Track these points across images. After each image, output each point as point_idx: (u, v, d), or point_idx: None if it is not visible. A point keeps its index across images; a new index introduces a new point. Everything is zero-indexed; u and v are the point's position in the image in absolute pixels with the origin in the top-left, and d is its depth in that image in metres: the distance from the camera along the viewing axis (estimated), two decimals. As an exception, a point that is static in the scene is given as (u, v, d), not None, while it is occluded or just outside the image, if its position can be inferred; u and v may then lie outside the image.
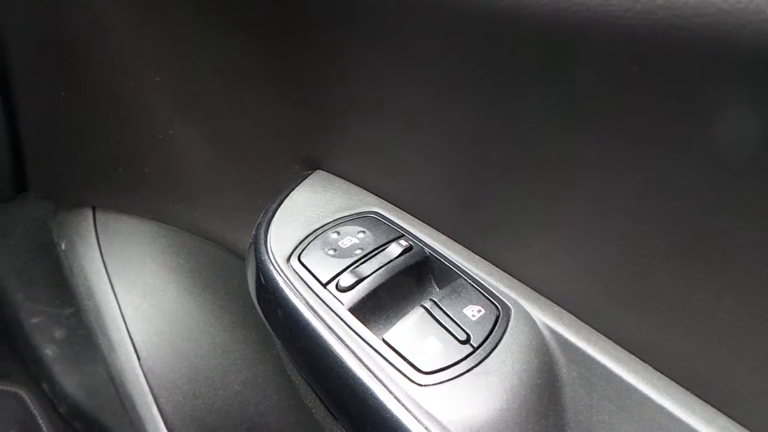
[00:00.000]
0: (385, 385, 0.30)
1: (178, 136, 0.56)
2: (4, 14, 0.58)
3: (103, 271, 0.65)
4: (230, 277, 0.63)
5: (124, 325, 0.62)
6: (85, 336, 0.88)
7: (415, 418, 0.29)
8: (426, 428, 0.29)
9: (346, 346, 0.32)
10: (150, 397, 0.61)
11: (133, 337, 0.62)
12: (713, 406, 0.28)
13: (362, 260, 0.36)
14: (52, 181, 0.70)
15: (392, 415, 0.29)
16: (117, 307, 0.63)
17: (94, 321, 0.65)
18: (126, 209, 0.66)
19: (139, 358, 0.62)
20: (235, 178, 0.53)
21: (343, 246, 0.38)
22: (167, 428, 0.60)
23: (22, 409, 1.02)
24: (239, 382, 0.61)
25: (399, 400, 0.30)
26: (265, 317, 0.38)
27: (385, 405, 0.30)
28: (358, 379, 0.31)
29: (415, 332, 0.32)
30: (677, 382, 0.29)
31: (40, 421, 1.00)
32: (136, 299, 0.63)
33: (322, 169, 0.45)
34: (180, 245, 0.63)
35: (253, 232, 0.41)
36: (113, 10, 0.51)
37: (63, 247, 0.70)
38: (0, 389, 1.05)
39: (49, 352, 0.94)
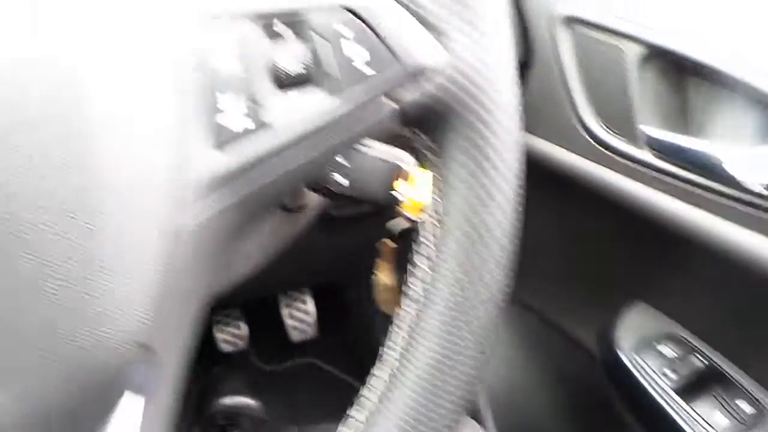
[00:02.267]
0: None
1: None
2: None
3: None
4: (563, 356, 0.91)
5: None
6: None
7: None
8: None
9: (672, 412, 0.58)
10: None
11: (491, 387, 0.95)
12: None
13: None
14: None
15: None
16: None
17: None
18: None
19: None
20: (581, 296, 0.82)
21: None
22: None
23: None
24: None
25: None
26: (613, 384, 0.65)
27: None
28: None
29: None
30: None
31: None
32: (496, 365, 0.96)
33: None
34: (533, 328, 0.94)
35: (605, 333, 0.69)
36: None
37: None
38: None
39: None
